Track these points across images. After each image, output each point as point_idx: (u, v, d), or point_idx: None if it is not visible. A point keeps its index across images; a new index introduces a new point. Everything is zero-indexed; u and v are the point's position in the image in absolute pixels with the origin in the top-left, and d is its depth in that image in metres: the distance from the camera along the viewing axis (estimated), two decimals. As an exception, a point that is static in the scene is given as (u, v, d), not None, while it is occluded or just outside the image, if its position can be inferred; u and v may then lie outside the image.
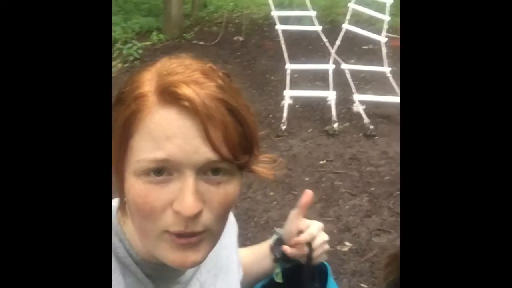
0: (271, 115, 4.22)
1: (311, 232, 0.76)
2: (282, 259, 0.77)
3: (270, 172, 0.58)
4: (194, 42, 6.20)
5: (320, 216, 2.89)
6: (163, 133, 0.48)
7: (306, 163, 3.51)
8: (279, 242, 0.78)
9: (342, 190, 3.20)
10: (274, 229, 0.81)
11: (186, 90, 0.48)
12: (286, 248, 0.76)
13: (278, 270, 0.78)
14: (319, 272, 0.79)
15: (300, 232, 0.76)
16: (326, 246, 0.78)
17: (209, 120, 0.48)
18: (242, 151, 0.51)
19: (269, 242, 0.80)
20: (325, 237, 0.78)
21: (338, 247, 2.66)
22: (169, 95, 0.48)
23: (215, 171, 0.50)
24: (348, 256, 2.62)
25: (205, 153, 0.48)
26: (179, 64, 0.51)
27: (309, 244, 0.75)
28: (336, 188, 3.22)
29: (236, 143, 0.50)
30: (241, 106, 0.51)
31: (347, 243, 2.71)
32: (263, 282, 0.82)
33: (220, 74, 0.53)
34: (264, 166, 0.58)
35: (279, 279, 0.77)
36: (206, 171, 0.49)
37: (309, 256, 0.75)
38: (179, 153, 0.47)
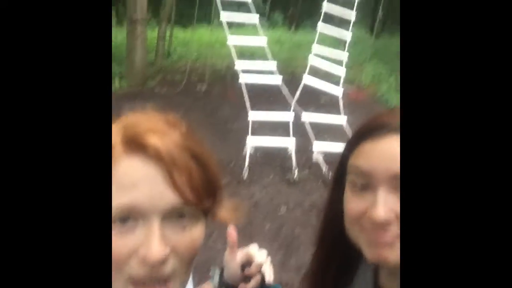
0: (233, 163, 4.26)
1: (258, 261, 0.77)
2: None
3: (232, 217, 0.61)
4: (156, 90, 6.25)
5: (281, 265, 2.89)
6: (129, 181, 0.49)
7: (267, 209, 3.53)
8: (223, 284, 0.78)
9: (302, 237, 3.23)
10: (211, 269, 0.81)
11: (151, 139, 0.50)
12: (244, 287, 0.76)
13: None
14: None
15: (244, 265, 0.77)
16: (269, 262, 0.80)
17: (173, 166, 0.49)
18: (206, 195, 0.53)
19: (211, 285, 0.80)
20: (264, 255, 0.79)
21: (299, 296, 2.65)
22: (134, 145, 0.50)
23: (180, 215, 0.51)
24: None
25: (171, 198, 0.49)
26: (143, 116, 0.54)
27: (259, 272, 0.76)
28: (296, 236, 3.24)
29: (200, 187, 0.51)
30: (204, 152, 0.54)
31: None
32: None
33: (183, 124, 0.55)
34: (227, 211, 0.60)
35: None
36: (171, 216, 0.50)
37: (263, 281, 0.76)
38: (145, 200, 0.48)
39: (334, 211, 0.71)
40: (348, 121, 4.67)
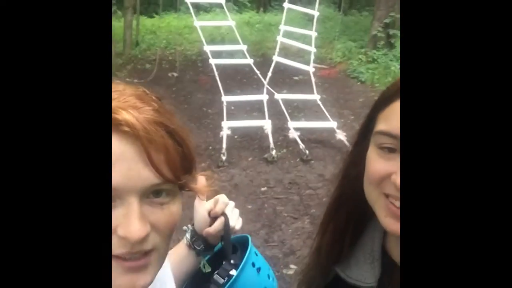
0: (210, 147, 4.26)
1: (222, 201, 0.81)
2: (204, 249, 0.81)
3: (207, 189, 0.61)
4: (127, 80, 6.15)
5: (264, 242, 2.94)
6: None
7: (247, 191, 3.57)
8: (195, 235, 0.82)
9: (284, 214, 3.29)
10: (184, 228, 0.84)
11: (125, 116, 0.48)
12: (209, 229, 0.80)
13: (203, 262, 0.82)
14: (241, 244, 0.84)
15: (210, 211, 0.81)
16: (237, 210, 0.84)
17: (150, 144, 0.48)
18: (183, 172, 0.53)
19: (184, 241, 0.83)
20: (232, 203, 0.83)
21: (284, 271, 2.71)
22: None
23: (157, 193, 0.51)
24: (294, 278, 2.67)
25: (149, 177, 0.49)
26: (113, 90, 0.51)
27: (224, 214, 0.80)
28: (278, 213, 3.30)
29: (178, 164, 0.51)
30: (178, 128, 0.53)
31: (292, 266, 2.77)
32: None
33: (154, 97, 0.54)
34: (199, 182, 0.59)
35: (207, 269, 0.81)
36: (149, 194, 0.50)
37: (227, 225, 0.80)
38: (122, 180, 0.47)
39: (352, 175, 0.69)
40: (321, 98, 4.72)
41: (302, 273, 0.81)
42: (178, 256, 0.82)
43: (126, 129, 0.48)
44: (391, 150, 0.61)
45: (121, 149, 0.47)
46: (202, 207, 0.81)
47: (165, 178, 0.49)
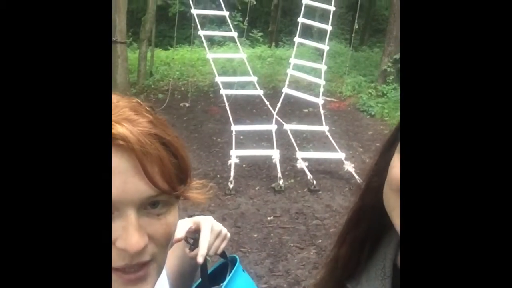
0: (218, 175, 4.28)
1: (202, 240, 0.80)
2: (194, 243, 0.82)
3: (203, 197, 0.61)
4: (140, 108, 6.27)
5: (269, 272, 2.91)
6: None
7: (254, 219, 3.56)
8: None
9: (290, 244, 3.25)
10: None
11: (119, 129, 0.49)
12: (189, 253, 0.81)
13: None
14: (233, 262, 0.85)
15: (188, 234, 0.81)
16: (216, 232, 0.83)
17: (145, 156, 0.49)
18: (179, 182, 0.53)
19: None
20: (209, 229, 0.82)
21: (289, 301, 2.67)
22: None
23: (154, 204, 0.51)
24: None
25: (145, 190, 0.49)
26: None
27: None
28: (284, 243, 3.27)
29: (173, 175, 0.52)
30: (173, 138, 0.54)
31: (298, 296, 2.72)
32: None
33: (147, 108, 0.55)
34: (197, 192, 0.60)
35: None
36: (146, 205, 0.51)
37: (204, 265, 0.81)
38: (120, 193, 0.48)
39: (375, 186, 0.69)
40: (330, 130, 4.75)
41: (316, 287, 0.81)
42: (176, 255, 0.83)
43: (121, 142, 0.48)
44: None
45: (116, 163, 0.48)
46: (181, 228, 0.80)
47: (160, 190, 0.50)
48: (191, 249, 0.80)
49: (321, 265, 0.78)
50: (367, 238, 0.74)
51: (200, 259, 0.78)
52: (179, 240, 0.80)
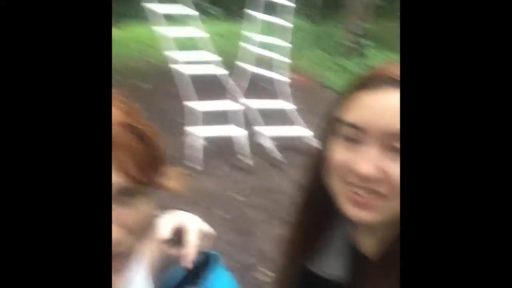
0: (186, 156, 4.22)
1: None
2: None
3: (180, 186, 0.61)
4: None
5: (242, 250, 2.91)
6: None
7: (222, 199, 3.54)
8: None
9: (259, 221, 3.27)
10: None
11: None
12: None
13: None
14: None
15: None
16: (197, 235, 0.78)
17: (116, 146, 0.48)
18: (153, 171, 0.53)
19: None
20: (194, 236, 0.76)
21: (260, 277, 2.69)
22: None
23: (130, 194, 0.51)
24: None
25: (118, 180, 0.49)
26: None
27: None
28: (253, 221, 3.28)
29: (147, 165, 0.52)
30: (145, 127, 0.53)
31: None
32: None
33: (120, 98, 0.54)
34: (174, 180, 0.60)
35: None
36: (120, 196, 0.50)
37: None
38: None
39: (322, 169, 0.69)
40: (297, 108, 4.76)
41: (277, 273, 0.80)
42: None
43: None
44: (353, 140, 0.62)
45: None
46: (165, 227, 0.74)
47: (134, 180, 0.50)
48: (175, 248, 0.76)
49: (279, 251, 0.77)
50: (320, 219, 0.75)
51: (188, 265, 0.73)
52: (164, 241, 0.76)
